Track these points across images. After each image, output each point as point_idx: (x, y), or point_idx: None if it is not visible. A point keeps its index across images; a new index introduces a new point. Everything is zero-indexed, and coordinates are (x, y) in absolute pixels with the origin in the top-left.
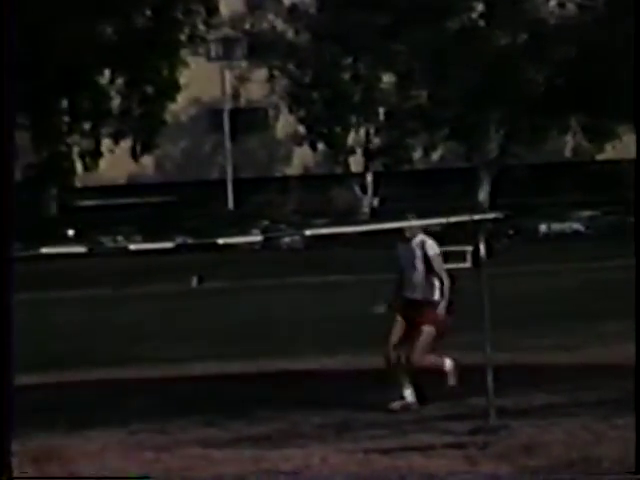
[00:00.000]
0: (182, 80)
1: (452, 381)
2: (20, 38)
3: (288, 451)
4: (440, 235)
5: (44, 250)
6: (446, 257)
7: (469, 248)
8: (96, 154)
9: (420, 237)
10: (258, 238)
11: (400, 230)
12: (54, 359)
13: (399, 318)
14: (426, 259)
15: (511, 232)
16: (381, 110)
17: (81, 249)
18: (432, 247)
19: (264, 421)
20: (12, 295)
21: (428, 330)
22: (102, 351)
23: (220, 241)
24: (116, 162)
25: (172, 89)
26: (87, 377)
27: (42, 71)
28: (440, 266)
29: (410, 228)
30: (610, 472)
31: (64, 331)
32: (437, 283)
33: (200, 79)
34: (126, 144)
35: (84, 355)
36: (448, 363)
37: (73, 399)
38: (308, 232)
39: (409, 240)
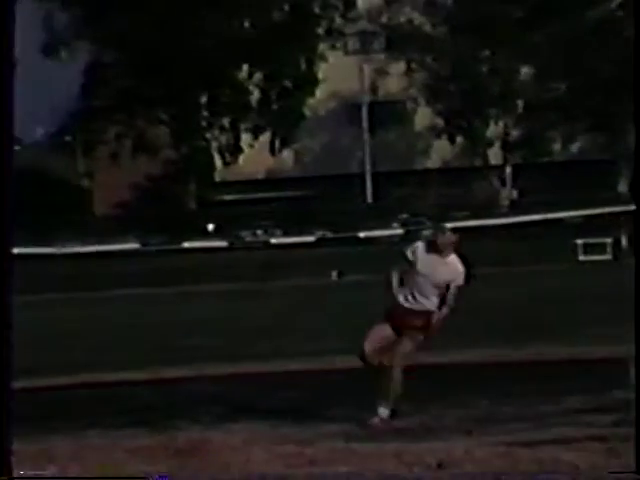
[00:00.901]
0: (320, 74)
1: None
2: (160, 32)
3: (431, 444)
4: (580, 227)
5: (186, 244)
6: (586, 249)
7: (609, 240)
8: (235, 149)
9: (453, 256)
10: (399, 231)
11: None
12: (198, 352)
13: (386, 323)
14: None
15: None
16: (519, 102)
17: (222, 243)
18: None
19: (406, 414)
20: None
21: (417, 337)
22: (244, 344)
23: (361, 235)
24: (255, 156)
25: (310, 83)
26: (230, 370)
27: (182, 66)
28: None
29: (444, 243)
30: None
31: (207, 325)
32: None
33: (338, 73)
34: (265, 138)
35: (226, 348)
36: None
37: (217, 392)
38: (449, 225)
39: (440, 252)
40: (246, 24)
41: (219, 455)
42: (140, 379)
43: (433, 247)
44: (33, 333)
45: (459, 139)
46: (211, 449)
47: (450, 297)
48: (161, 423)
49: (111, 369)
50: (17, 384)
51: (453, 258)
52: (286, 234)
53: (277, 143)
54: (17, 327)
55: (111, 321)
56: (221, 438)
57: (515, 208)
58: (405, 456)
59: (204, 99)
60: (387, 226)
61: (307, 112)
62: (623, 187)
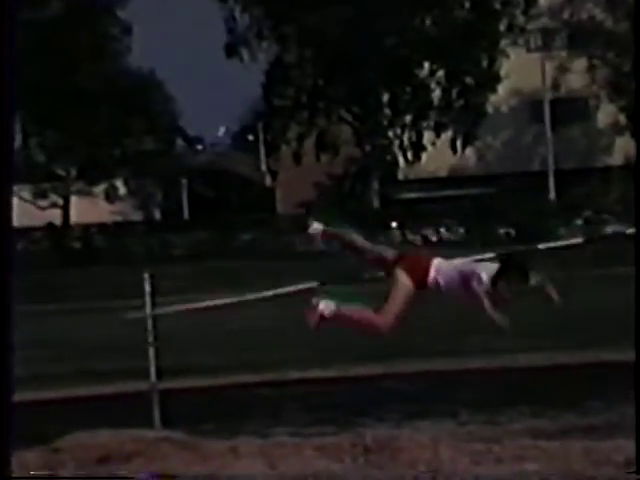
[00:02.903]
0: (502, 71)
1: None
2: (342, 31)
3: (619, 442)
4: None
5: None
6: None
7: None
8: (417, 147)
9: None
10: (578, 240)
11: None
12: (385, 350)
13: None
14: None
15: None
16: None
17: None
18: None
19: (593, 412)
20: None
21: None
22: (430, 342)
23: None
24: (437, 154)
25: (492, 80)
26: (415, 368)
27: (364, 64)
28: None
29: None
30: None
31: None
32: None
33: (520, 70)
34: (447, 136)
35: (411, 347)
36: None
37: (401, 390)
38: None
39: None
40: (427, 22)
41: (406, 453)
42: (327, 377)
43: None
44: (219, 333)
45: None
46: (399, 447)
47: None
48: (349, 421)
49: (298, 367)
50: (205, 383)
51: None
52: (468, 232)
53: (459, 141)
54: (201, 328)
55: (297, 319)
56: (408, 436)
57: None
58: (593, 454)
59: (386, 97)
60: (569, 224)
61: (489, 109)
62: None
